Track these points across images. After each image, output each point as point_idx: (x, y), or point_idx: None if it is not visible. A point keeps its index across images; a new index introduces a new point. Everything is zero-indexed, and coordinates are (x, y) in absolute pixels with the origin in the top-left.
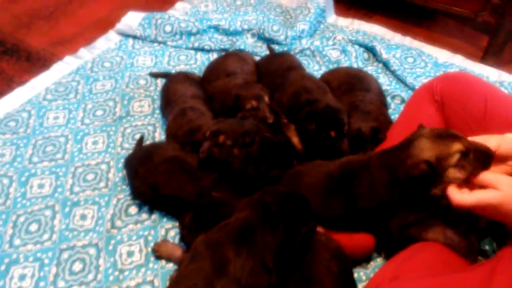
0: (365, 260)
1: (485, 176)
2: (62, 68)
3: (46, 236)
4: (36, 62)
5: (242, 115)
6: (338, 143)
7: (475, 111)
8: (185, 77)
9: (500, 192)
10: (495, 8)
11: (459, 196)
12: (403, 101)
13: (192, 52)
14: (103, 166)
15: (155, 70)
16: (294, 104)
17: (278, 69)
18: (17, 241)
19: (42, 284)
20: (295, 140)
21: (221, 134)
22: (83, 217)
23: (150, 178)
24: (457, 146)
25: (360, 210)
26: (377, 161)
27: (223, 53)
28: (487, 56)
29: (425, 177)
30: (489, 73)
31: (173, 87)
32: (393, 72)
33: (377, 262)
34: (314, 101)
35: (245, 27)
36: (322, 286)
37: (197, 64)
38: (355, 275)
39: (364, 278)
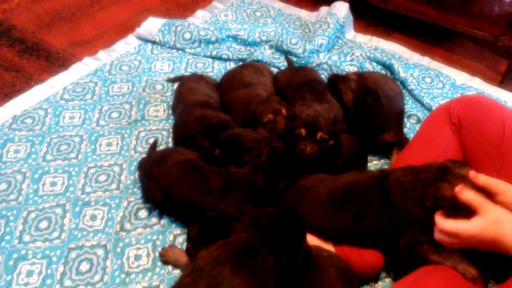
0: (373, 279)
1: (476, 197)
2: (81, 69)
3: (55, 234)
4: (56, 62)
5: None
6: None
7: (493, 135)
8: (200, 77)
9: (483, 219)
10: None
11: (446, 222)
12: (419, 121)
13: (210, 60)
14: (116, 168)
15: (172, 76)
16: None
17: (301, 81)
18: (26, 237)
19: (49, 281)
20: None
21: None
22: (93, 217)
23: (163, 180)
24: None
25: (367, 225)
26: (397, 181)
27: (239, 63)
28: (506, 80)
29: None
30: (507, 98)
31: (186, 86)
32: (410, 92)
33: (386, 282)
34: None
35: (264, 38)
36: None
37: (214, 72)
38: None
39: None
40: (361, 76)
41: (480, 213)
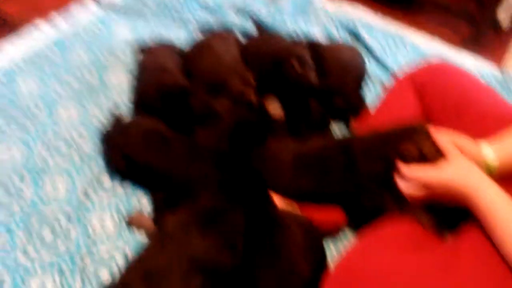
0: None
1: (448, 144)
2: (37, 36)
3: (15, 204)
4: (10, 29)
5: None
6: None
7: (453, 101)
8: (164, 45)
9: (450, 166)
10: None
11: (412, 169)
12: (383, 86)
13: (174, 27)
14: (77, 138)
15: (134, 43)
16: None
17: (267, 50)
18: None
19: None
20: (272, 106)
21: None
22: (54, 185)
23: (125, 148)
24: None
25: (331, 188)
26: (362, 144)
27: (206, 33)
28: (468, 44)
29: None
30: (468, 62)
31: (148, 53)
32: (375, 57)
33: (348, 236)
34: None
35: (229, 4)
36: (292, 259)
37: (179, 40)
38: (325, 248)
39: (333, 249)
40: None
41: (450, 160)
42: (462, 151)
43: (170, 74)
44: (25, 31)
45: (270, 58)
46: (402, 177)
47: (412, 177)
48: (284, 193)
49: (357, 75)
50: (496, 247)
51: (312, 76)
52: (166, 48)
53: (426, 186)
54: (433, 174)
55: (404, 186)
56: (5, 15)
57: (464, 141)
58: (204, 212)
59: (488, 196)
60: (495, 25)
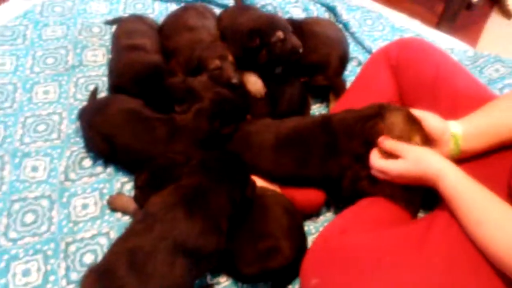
0: (315, 214)
1: (396, 145)
2: (8, 11)
3: None
4: None
5: (207, 75)
6: (289, 41)
7: (426, 78)
8: (137, 18)
9: (405, 161)
10: None
11: (378, 161)
12: (360, 63)
13: (149, 0)
14: (55, 117)
15: (110, 18)
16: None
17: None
18: None
19: None
20: (251, 83)
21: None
22: (35, 168)
23: (105, 129)
24: (417, 139)
25: (312, 168)
26: (341, 122)
27: (181, 5)
28: (442, 22)
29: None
30: (442, 40)
31: (121, 29)
32: (352, 34)
33: (327, 216)
34: (246, 22)
35: None
36: (273, 240)
37: (154, 13)
38: (305, 228)
39: (313, 231)
40: (293, 23)
41: (403, 156)
42: (430, 129)
43: (143, 53)
44: None
45: (252, 30)
46: (371, 167)
47: (374, 166)
48: (265, 175)
49: (341, 54)
50: (461, 227)
51: (298, 44)
52: (139, 20)
53: (387, 174)
54: (390, 166)
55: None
56: None
57: (433, 117)
58: (188, 193)
59: (449, 181)
60: (469, 3)
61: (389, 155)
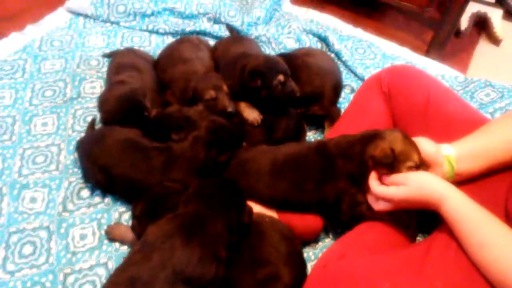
0: (313, 240)
1: (397, 177)
2: (8, 45)
3: None
4: None
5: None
6: (289, 85)
7: (418, 103)
8: (130, 51)
9: (408, 187)
10: (440, 4)
11: (379, 188)
12: (353, 90)
13: (147, 34)
14: (53, 149)
15: (107, 51)
16: (239, 75)
17: (234, 53)
18: None
19: None
20: (247, 111)
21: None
22: (33, 200)
23: (102, 160)
24: (417, 157)
25: (309, 193)
26: (337, 145)
27: (177, 38)
28: (431, 50)
29: (385, 162)
30: (432, 66)
31: (113, 63)
32: (344, 62)
33: (326, 242)
34: (249, 60)
35: (201, 10)
36: (272, 267)
37: (151, 46)
38: (304, 255)
39: (313, 258)
40: (287, 56)
41: (405, 184)
42: (424, 152)
43: (123, 88)
44: None
45: (255, 71)
46: (371, 193)
47: (376, 193)
48: (262, 200)
49: (335, 84)
50: (463, 249)
51: (296, 89)
52: (131, 53)
53: (389, 201)
54: (393, 192)
55: (370, 200)
56: None
57: (426, 141)
58: (185, 222)
59: (451, 204)
60: (457, 30)
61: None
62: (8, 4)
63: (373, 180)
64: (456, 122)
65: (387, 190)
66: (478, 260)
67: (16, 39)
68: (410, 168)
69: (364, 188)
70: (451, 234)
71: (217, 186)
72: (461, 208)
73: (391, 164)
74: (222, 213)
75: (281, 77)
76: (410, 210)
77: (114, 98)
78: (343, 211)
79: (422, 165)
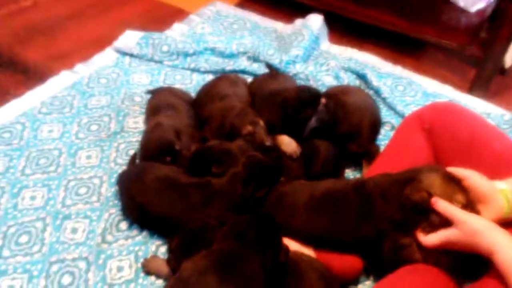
0: (353, 282)
1: (455, 211)
2: (58, 83)
3: (36, 248)
4: (33, 76)
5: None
6: (331, 105)
7: (462, 140)
8: (168, 91)
9: (459, 232)
10: (483, 42)
11: (427, 238)
12: (393, 128)
13: (188, 72)
14: (96, 181)
15: (151, 88)
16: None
17: (267, 90)
18: (6, 252)
19: None
20: (285, 144)
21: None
22: (74, 230)
23: (140, 197)
24: (460, 198)
25: (347, 231)
26: (376, 185)
27: (217, 75)
28: (475, 88)
29: (423, 206)
30: (476, 105)
31: (151, 103)
32: (383, 99)
33: (366, 285)
34: (287, 94)
35: (241, 50)
36: None
37: (192, 84)
38: None
39: None
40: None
41: (456, 225)
42: (477, 186)
43: (160, 131)
44: (45, 76)
45: (300, 101)
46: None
47: (427, 245)
48: (299, 237)
49: (372, 121)
50: None
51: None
52: (169, 93)
53: (440, 246)
54: (444, 236)
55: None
56: (25, 61)
57: (477, 175)
58: (219, 259)
59: (504, 256)
60: (502, 68)
61: (434, 227)
62: (60, 44)
63: (419, 233)
64: (504, 160)
65: (436, 237)
66: None
67: (66, 77)
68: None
69: (407, 229)
70: (503, 282)
71: (252, 223)
72: None
73: (431, 209)
74: (257, 251)
75: (323, 100)
76: (458, 253)
77: (151, 142)
78: (385, 254)
79: (470, 203)
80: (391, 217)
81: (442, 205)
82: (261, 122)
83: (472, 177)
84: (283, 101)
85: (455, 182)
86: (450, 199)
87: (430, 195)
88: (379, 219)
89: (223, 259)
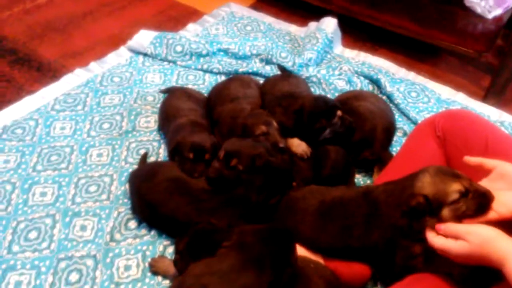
0: None
1: (458, 227)
2: (72, 80)
3: (44, 245)
4: (47, 73)
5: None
6: (346, 118)
7: (476, 148)
8: (183, 92)
9: (468, 244)
10: (499, 49)
11: (435, 238)
12: (405, 134)
13: (201, 73)
14: (106, 179)
15: (163, 87)
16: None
17: (279, 92)
18: (15, 248)
19: None
20: (295, 145)
21: (234, 158)
22: (83, 228)
23: (150, 196)
24: (455, 186)
25: (356, 239)
26: (382, 192)
27: (230, 76)
28: (489, 95)
29: (422, 210)
30: (490, 112)
31: (169, 103)
32: (396, 105)
33: None
34: (303, 103)
35: (254, 52)
36: None
37: (205, 84)
38: None
39: None
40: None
41: (464, 238)
42: (510, 172)
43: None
44: (59, 73)
45: (314, 113)
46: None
47: (432, 245)
48: (308, 242)
49: (386, 128)
50: None
51: (352, 120)
52: (183, 95)
53: (446, 254)
54: (451, 246)
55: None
56: (40, 57)
57: (509, 165)
58: (223, 270)
59: None
60: None
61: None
62: (75, 42)
63: (429, 230)
64: None
65: (444, 242)
66: None
67: (80, 75)
68: (457, 202)
69: (415, 236)
70: None
71: (260, 234)
72: None
73: (432, 211)
74: (258, 265)
75: (339, 113)
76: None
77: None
78: (396, 263)
79: (472, 185)
80: (396, 224)
81: (443, 228)
82: (275, 123)
83: (501, 165)
84: (299, 108)
85: (448, 174)
86: (446, 195)
87: (426, 197)
88: (386, 226)
89: (226, 270)
